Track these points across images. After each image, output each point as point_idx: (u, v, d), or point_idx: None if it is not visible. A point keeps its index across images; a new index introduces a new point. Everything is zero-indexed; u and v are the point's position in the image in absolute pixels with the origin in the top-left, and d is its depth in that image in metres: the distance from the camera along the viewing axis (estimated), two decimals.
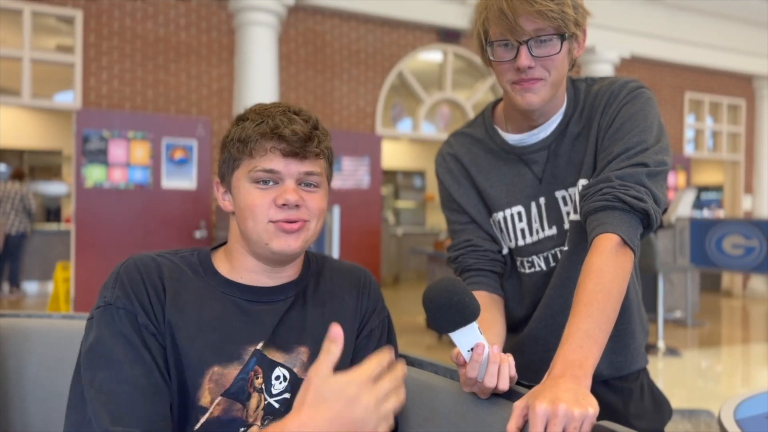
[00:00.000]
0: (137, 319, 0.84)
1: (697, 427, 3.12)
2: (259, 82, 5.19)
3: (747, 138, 8.56)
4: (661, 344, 4.92)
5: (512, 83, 1.03)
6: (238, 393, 0.87)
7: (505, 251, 1.18)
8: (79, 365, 0.85)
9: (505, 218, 1.16)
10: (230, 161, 0.93)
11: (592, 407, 0.73)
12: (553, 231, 1.12)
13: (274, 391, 0.89)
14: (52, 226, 8.48)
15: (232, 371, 0.87)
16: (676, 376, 4.36)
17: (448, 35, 6.42)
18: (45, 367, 1.12)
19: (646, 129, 1.02)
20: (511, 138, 1.14)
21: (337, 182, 5.89)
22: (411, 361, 1.06)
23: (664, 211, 1.59)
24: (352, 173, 6.03)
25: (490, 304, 1.12)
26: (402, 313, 6.28)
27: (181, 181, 5.34)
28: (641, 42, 7.17)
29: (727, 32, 7.69)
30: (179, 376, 0.85)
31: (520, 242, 1.15)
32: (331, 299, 0.99)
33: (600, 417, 0.74)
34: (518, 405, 0.77)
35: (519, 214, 1.14)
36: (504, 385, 0.85)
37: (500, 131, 1.16)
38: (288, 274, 0.97)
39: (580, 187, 1.06)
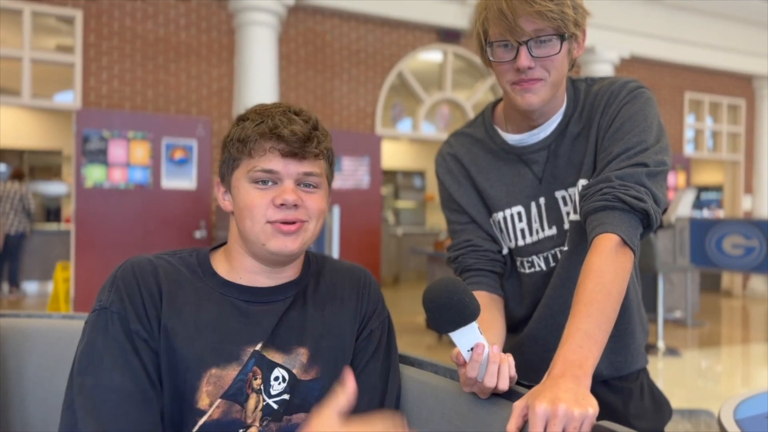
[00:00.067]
0: (129, 325, 0.84)
1: (697, 427, 3.12)
2: (259, 82, 5.19)
3: (747, 138, 8.56)
4: (661, 344, 4.92)
5: (512, 84, 1.03)
6: (236, 394, 0.86)
7: (505, 251, 1.18)
8: (74, 366, 0.85)
9: (505, 218, 1.16)
10: (230, 161, 0.93)
11: (591, 407, 0.73)
12: (553, 231, 1.12)
13: (272, 392, 0.89)
14: (52, 226, 8.48)
15: (231, 372, 0.87)
16: (676, 376, 4.36)
17: (448, 35, 6.42)
18: (45, 367, 1.12)
19: (645, 129, 1.02)
20: (511, 138, 1.14)
21: (337, 182, 5.89)
22: (411, 361, 1.06)
23: (664, 211, 1.59)
24: (352, 173, 6.03)
25: (490, 304, 1.12)
26: (402, 313, 6.27)
27: (181, 181, 5.34)
28: (641, 42, 7.17)
29: (727, 32, 7.69)
30: (176, 379, 0.85)
31: (520, 242, 1.15)
32: (331, 300, 0.99)
33: (600, 417, 0.74)
34: (518, 405, 0.77)
35: (519, 214, 1.14)
36: (504, 385, 0.85)
37: (500, 131, 1.16)
38: (287, 274, 0.97)
39: (580, 187, 1.06)
